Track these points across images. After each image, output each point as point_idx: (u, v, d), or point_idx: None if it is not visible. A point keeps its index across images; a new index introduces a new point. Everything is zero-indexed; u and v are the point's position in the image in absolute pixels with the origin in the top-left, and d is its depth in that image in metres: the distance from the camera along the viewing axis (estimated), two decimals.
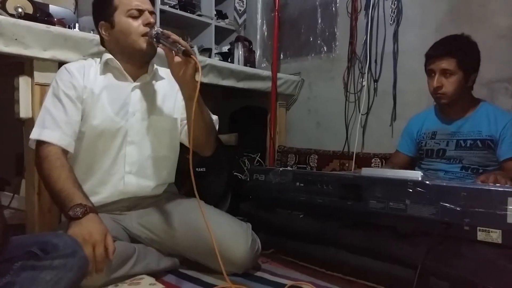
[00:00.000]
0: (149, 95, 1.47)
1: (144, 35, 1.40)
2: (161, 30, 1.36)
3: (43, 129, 1.34)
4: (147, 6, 1.44)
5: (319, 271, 1.55)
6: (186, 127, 1.56)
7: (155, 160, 1.52)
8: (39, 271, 0.97)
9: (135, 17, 1.41)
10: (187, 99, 1.38)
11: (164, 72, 1.56)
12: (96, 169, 1.44)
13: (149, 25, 1.40)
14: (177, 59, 1.29)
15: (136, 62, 1.48)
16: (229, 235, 1.45)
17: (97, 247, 1.12)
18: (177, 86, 1.42)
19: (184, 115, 1.52)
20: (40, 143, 1.33)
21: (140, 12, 1.41)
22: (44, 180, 1.30)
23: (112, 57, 1.47)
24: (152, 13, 1.45)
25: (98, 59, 1.51)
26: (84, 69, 1.45)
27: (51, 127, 1.34)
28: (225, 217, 1.56)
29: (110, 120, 1.43)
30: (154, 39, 1.35)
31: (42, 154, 1.31)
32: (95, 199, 1.44)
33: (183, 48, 1.25)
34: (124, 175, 1.47)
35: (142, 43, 1.40)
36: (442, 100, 1.74)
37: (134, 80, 1.50)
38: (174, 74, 1.32)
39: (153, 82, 1.55)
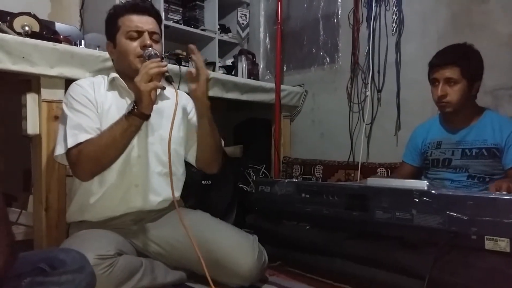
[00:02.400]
0: (155, 112, 1.48)
1: (139, 56, 1.43)
2: (154, 52, 1.40)
3: (75, 136, 1.36)
4: (148, 26, 1.46)
5: (326, 282, 1.54)
6: (194, 146, 1.62)
7: (161, 175, 1.53)
8: (47, 287, 0.97)
9: (133, 39, 1.44)
10: (199, 116, 1.50)
11: (170, 92, 1.57)
12: (104, 183, 1.45)
13: (145, 47, 1.43)
14: (190, 75, 1.41)
15: None
16: (235, 248, 1.45)
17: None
18: (187, 106, 1.57)
19: (191, 136, 1.60)
20: (70, 149, 1.36)
21: (140, 33, 1.44)
22: (97, 158, 1.34)
23: (118, 75, 1.50)
24: (153, 33, 1.47)
25: (106, 77, 1.54)
26: (94, 85, 1.49)
27: (82, 131, 1.37)
28: (231, 229, 1.56)
29: None
30: (147, 59, 1.38)
31: (75, 153, 1.35)
32: (103, 212, 1.47)
33: (167, 74, 1.36)
34: (130, 190, 1.48)
35: (138, 64, 1.42)
36: (446, 109, 1.74)
37: None
38: (188, 89, 1.44)
39: (159, 101, 1.56)
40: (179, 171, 1.60)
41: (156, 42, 1.48)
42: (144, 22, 1.46)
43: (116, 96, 1.51)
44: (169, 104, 1.57)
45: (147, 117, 1.34)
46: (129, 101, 1.49)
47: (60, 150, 1.38)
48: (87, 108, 1.42)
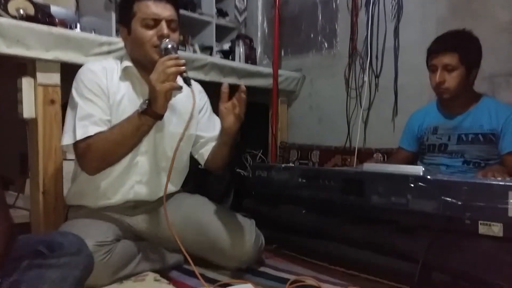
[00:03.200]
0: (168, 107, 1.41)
1: (155, 46, 1.36)
2: (171, 45, 1.32)
3: (85, 127, 1.30)
4: (166, 14, 1.37)
5: (321, 265, 1.57)
6: (205, 148, 1.59)
7: (164, 171, 1.49)
8: (46, 270, 0.99)
9: (150, 27, 1.36)
10: (222, 141, 1.47)
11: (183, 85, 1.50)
12: (108, 175, 1.42)
13: (162, 37, 1.35)
14: (228, 105, 1.39)
15: (151, 71, 1.42)
16: (233, 231, 1.46)
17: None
18: (200, 102, 1.53)
19: (202, 136, 1.57)
20: (78, 141, 1.31)
21: (156, 21, 1.36)
22: (105, 154, 1.31)
23: (131, 65, 1.44)
24: (171, 21, 1.38)
25: (119, 62, 1.48)
26: (106, 71, 1.41)
27: (92, 124, 1.32)
28: (228, 213, 1.57)
29: None
30: (163, 53, 1.32)
31: (83, 146, 1.30)
32: (105, 202, 1.46)
33: (185, 75, 1.27)
34: (134, 184, 1.47)
35: (154, 54, 1.35)
36: (444, 95, 1.74)
37: None
38: (220, 113, 1.40)
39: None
40: (182, 165, 1.59)
41: (174, 30, 1.39)
42: (162, 9, 1.37)
43: (128, 86, 1.44)
44: (181, 98, 1.50)
45: (160, 117, 1.28)
46: (141, 94, 1.43)
47: (68, 140, 1.33)
48: (99, 97, 1.36)
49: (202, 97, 1.64)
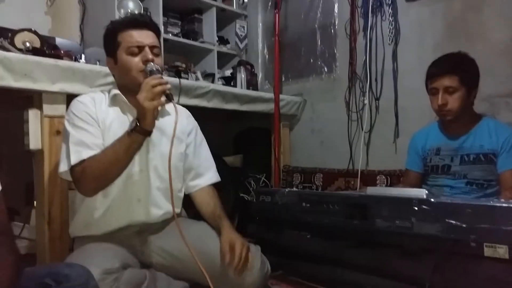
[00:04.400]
0: (156, 129, 1.45)
1: (141, 70, 1.43)
2: (156, 67, 1.40)
3: (78, 152, 1.36)
4: (149, 41, 1.46)
5: None
6: (191, 183, 1.64)
7: (160, 190, 1.53)
8: None
9: (135, 54, 1.44)
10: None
11: (170, 108, 1.55)
12: (107, 198, 1.45)
13: (147, 61, 1.42)
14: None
15: None
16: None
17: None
18: (187, 125, 1.62)
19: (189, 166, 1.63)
20: (73, 166, 1.36)
21: (140, 48, 1.44)
22: (101, 174, 1.35)
23: (119, 92, 1.51)
24: (154, 47, 1.47)
25: (107, 92, 1.54)
26: (95, 101, 1.49)
27: (85, 148, 1.38)
28: None
29: None
30: (148, 75, 1.39)
31: (79, 170, 1.36)
32: (107, 227, 1.47)
33: (168, 92, 1.34)
34: (133, 204, 1.49)
35: (140, 78, 1.41)
36: (447, 117, 1.75)
37: None
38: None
39: (159, 117, 1.55)
40: (177, 187, 1.60)
41: (157, 55, 1.48)
42: (144, 36, 1.46)
43: (117, 111, 1.51)
44: (170, 121, 1.54)
45: (149, 133, 1.35)
46: (131, 117, 1.49)
47: (63, 167, 1.39)
48: (89, 124, 1.43)
49: (190, 122, 1.68)
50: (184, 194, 1.66)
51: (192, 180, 1.65)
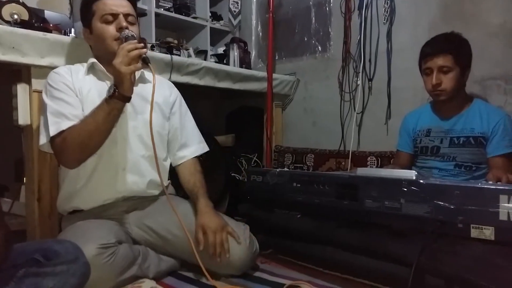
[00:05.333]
0: (135, 96, 1.45)
1: (116, 39, 1.43)
2: (131, 33, 1.40)
3: (57, 124, 1.36)
4: (123, 9, 1.47)
5: (317, 270, 1.58)
6: (176, 155, 1.66)
7: (145, 158, 1.54)
8: (42, 278, 0.99)
9: (109, 22, 1.45)
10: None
11: (151, 76, 1.52)
12: (90, 168, 1.45)
13: (121, 29, 1.43)
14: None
15: None
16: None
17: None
18: (170, 95, 1.63)
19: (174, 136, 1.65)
20: (53, 138, 1.35)
21: (115, 16, 1.45)
22: (83, 144, 1.34)
23: (96, 60, 1.51)
24: (128, 15, 1.47)
25: (85, 64, 1.54)
26: (71, 71, 1.48)
27: (64, 119, 1.37)
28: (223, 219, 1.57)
29: None
30: (124, 41, 1.38)
31: (59, 141, 1.35)
32: (91, 198, 1.48)
33: (144, 56, 1.34)
34: (117, 173, 1.49)
35: (116, 46, 1.41)
36: (441, 97, 1.75)
37: None
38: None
39: (140, 84, 1.57)
40: (162, 155, 1.61)
41: (132, 24, 1.48)
42: (118, 5, 1.47)
43: (95, 80, 1.51)
44: (150, 87, 1.51)
45: (128, 99, 1.35)
46: (108, 85, 1.47)
47: (43, 139, 1.39)
48: (67, 94, 1.42)
49: (173, 92, 1.69)
50: (175, 174, 1.66)
51: (178, 150, 1.66)
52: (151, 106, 1.37)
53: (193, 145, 1.69)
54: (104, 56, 1.48)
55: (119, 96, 1.32)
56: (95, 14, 1.46)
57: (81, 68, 1.53)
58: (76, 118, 1.38)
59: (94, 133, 1.34)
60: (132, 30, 1.44)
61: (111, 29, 1.45)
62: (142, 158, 1.53)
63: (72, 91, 1.44)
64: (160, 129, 1.58)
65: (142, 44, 1.34)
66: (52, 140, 1.36)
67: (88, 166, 1.44)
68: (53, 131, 1.35)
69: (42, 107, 1.43)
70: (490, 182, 1.38)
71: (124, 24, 1.44)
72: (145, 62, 1.35)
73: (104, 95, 1.38)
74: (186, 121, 1.70)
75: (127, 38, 1.39)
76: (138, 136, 1.53)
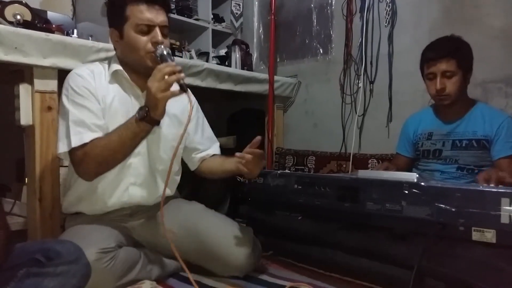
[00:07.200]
0: None
1: (150, 52, 1.35)
2: (167, 51, 1.33)
3: (80, 134, 1.31)
4: (160, 20, 1.37)
5: (317, 272, 1.58)
6: (199, 155, 1.64)
7: (159, 173, 1.52)
8: (43, 278, 0.99)
9: (144, 33, 1.36)
10: (234, 169, 1.48)
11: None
12: (103, 178, 1.41)
13: (157, 43, 1.35)
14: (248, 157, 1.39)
15: (143, 75, 1.41)
16: (230, 239, 1.47)
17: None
18: (185, 101, 1.49)
19: (194, 142, 1.62)
20: (74, 149, 1.31)
21: (150, 27, 1.36)
22: (105, 161, 1.31)
23: (121, 68, 1.43)
24: (164, 27, 1.39)
25: (106, 65, 1.47)
26: (94, 74, 1.42)
27: (86, 130, 1.32)
28: (225, 220, 1.58)
29: None
30: (159, 59, 1.32)
31: (80, 154, 1.31)
32: (101, 207, 1.47)
33: (182, 82, 1.26)
34: (129, 186, 1.47)
35: (148, 61, 1.36)
36: (445, 102, 1.75)
37: (142, 91, 1.45)
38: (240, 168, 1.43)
39: None
40: (175, 168, 1.59)
41: (166, 36, 1.40)
42: (155, 14, 1.36)
43: (118, 88, 1.44)
44: (173, 101, 1.45)
45: (158, 122, 1.30)
46: (132, 95, 1.44)
47: (63, 147, 1.33)
48: (90, 101, 1.36)
49: (195, 103, 1.65)
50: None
51: (197, 154, 1.64)
52: (180, 139, 1.32)
53: (212, 147, 1.67)
54: (132, 64, 1.42)
55: (150, 119, 1.26)
56: (128, 20, 1.35)
57: (103, 70, 1.45)
58: (99, 129, 1.34)
59: (118, 152, 1.31)
60: (166, 45, 1.36)
61: (146, 42, 1.35)
62: (155, 172, 1.51)
63: (95, 98, 1.37)
64: (176, 143, 1.51)
65: (180, 67, 1.26)
66: (73, 150, 1.31)
67: (101, 177, 1.40)
68: (75, 142, 1.30)
69: (62, 111, 1.37)
70: (492, 185, 1.38)
71: (160, 39, 1.35)
72: (183, 89, 1.27)
73: (127, 105, 1.36)
74: (205, 128, 1.67)
75: (162, 57, 1.31)
76: (154, 151, 1.49)
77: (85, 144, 1.30)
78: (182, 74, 1.26)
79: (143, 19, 1.35)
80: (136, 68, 1.41)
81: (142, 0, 1.35)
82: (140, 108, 1.28)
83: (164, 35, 1.38)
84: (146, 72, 1.36)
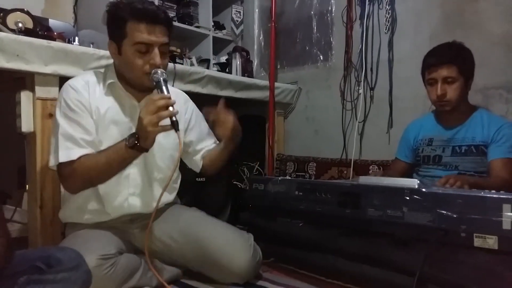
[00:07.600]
0: None
1: (147, 73, 1.35)
2: (163, 77, 1.32)
3: (68, 150, 1.32)
4: (159, 39, 1.35)
5: (319, 279, 1.57)
6: (200, 154, 1.65)
7: (157, 181, 1.52)
8: (44, 285, 0.99)
9: (142, 52, 1.34)
10: (224, 145, 1.59)
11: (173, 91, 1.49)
12: (102, 190, 1.42)
13: (154, 66, 1.34)
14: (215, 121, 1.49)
15: (137, 87, 1.45)
16: (230, 246, 1.46)
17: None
18: (186, 111, 1.60)
19: (194, 141, 1.64)
20: (60, 164, 1.33)
21: (149, 47, 1.34)
22: (90, 179, 1.34)
23: (117, 80, 1.44)
24: (163, 45, 1.37)
25: (103, 74, 1.48)
26: (89, 86, 1.42)
27: (75, 145, 1.33)
28: (226, 227, 1.57)
29: (115, 141, 1.35)
30: (154, 83, 1.32)
31: (67, 170, 1.33)
32: (100, 218, 1.46)
33: (174, 119, 1.26)
34: (128, 197, 1.47)
35: (145, 81, 1.37)
36: (446, 108, 1.75)
37: (138, 101, 1.47)
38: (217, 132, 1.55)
39: None
40: (174, 176, 1.58)
41: (165, 54, 1.39)
42: (155, 34, 1.34)
43: (113, 100, 1.44)
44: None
45: (147, 150, 1.31)
46: (127, 105, 1.45)
47: (52, 161, 1.35)
48: (81, 116, 1.36)
49: (189, 106, 1.66)
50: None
51: (199, 154, 1.65)
52: (174, 167, 1.36)
53: (208, 142, 1.69)
54: (129, 81, 1.43)
55: (139, 148, 1.28)
56: (127, 36, 1.34)
57: (98, 79, 1.45)
58: (88, 145, 1.35)
59: (104, 173, 1.34)
60: (164, 65, 1.36)
61: (143, 63, 1.35)
62: (154, 181, 1.51)
63: (87, 112, 1.37)
64: (174, 152, 1.53)
65: (173, 101, 1.25)
66: (60, 165, 1.33)
67: (99, 188, 1.42)
68: (62, 158, 1.31)
69: (54, 124, 1.38)
70: (488, 191, 1.36)
71: (158, 61, 1.33)
72: (174, 127, 1.26)
73: (121, 117, 1.38)
74: (202, 129, 1.68)
75: (158, 84, 1.30)
76: (152, 160, 1.49)
77: (72, 161, 1.32)
78: (176, 110, 1.25)
79: (142, 38, 1.33)
80: (133, 85, 1.44)
81: (143, 18, 1.33)
82: (131, 135, 1.29)
83: (163, 53, 1.38)
84: (143, 90, 1.42)
